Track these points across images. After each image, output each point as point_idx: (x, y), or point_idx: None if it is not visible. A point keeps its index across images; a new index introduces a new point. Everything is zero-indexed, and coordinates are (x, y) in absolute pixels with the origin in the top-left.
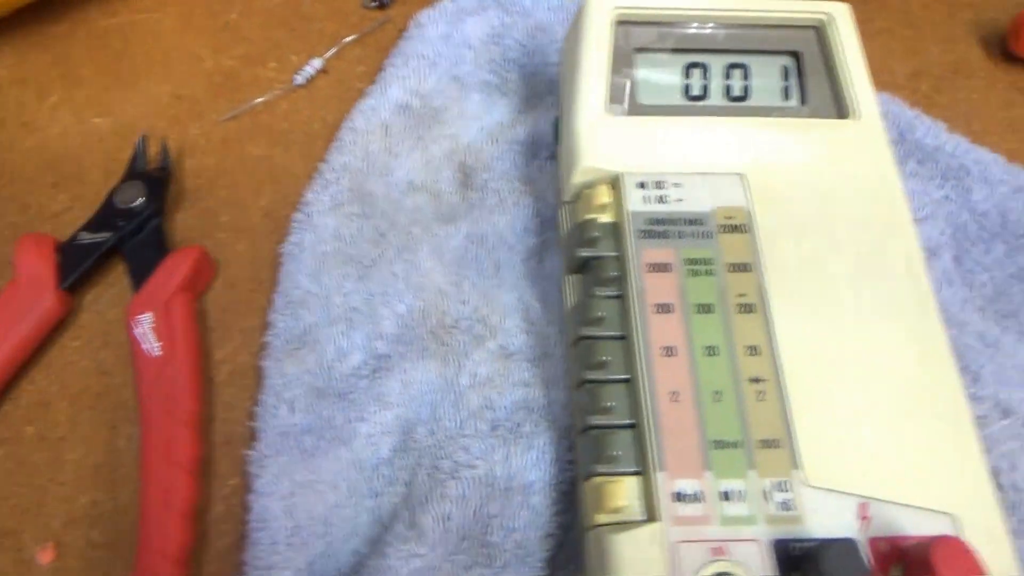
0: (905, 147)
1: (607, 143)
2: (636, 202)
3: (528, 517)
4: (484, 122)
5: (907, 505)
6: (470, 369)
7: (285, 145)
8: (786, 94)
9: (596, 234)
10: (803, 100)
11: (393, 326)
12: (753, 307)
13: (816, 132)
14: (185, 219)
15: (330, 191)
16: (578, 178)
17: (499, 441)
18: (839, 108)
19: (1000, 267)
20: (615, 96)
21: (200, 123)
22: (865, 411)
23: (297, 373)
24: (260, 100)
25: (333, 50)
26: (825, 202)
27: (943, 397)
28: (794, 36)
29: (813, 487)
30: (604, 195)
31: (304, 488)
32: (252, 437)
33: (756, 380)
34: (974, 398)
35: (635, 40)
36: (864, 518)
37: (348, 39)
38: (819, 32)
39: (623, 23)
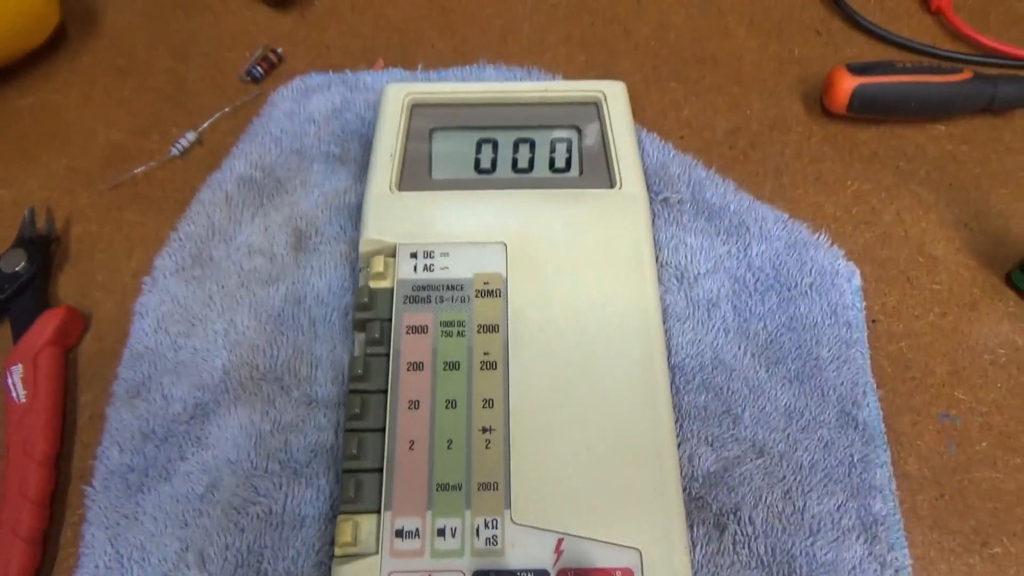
0: (696, 206)
1: (389, 217)
2: (406, 270)
3: (299, 548)
4: (324, 189)
5: (599, 540)
6: (273, 416)
7: (158, 211)
8: (567, 165)
9: (365, 299)
10: (581, 171)
11: (211, 378)
12: (495, 364)
13: (584, 201)
14: (67, 279)
15: (175, 257)
16: (363, 248)
17: (285, 480)
18: (610, 178)
19: (773, 317)
20: (408, 172)
21: (88, 192)
22: (574, 457)
23: (130, 419)
24: (140, 170)
25: (207, 123)
26: (577, 264)
27: (651, 443)
28: (576, 112)
29: (518, 524)
30: (380, 264)
31: (127, 519)
32: (92, 475)
33: (486, 430)
34: (733, 439)
35: (431, 120)
36: (558, 552)
37: (220, 112)
38: (597, 108)
39: (420, 106)
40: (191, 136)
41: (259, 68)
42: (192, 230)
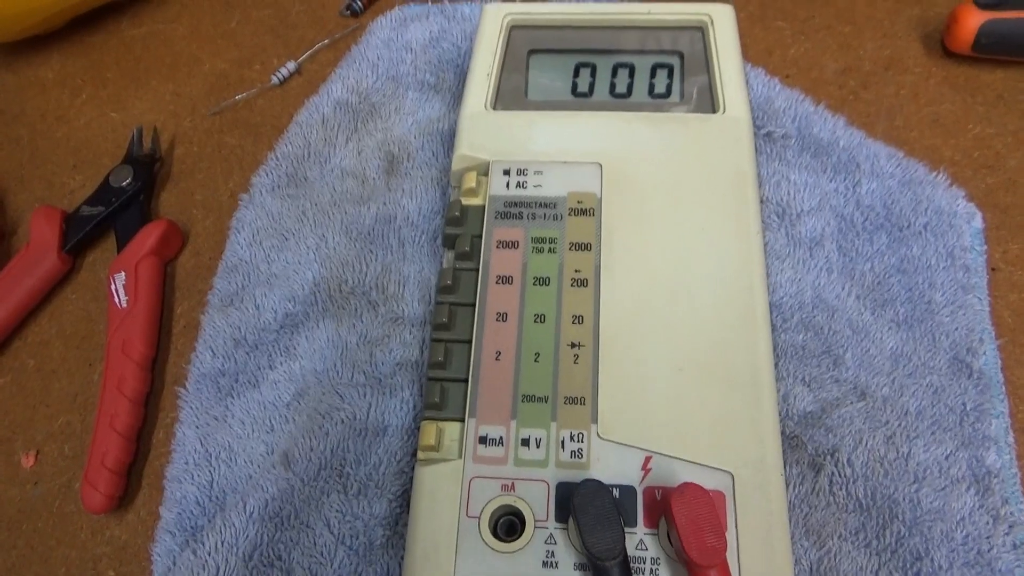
0: (801, 141)
1: (483, 135)
2: (498, 186)
3: (381, 455)
4: (417, 117)
5: (688, 461)
6: (360, 330)
7: (256, 136)
8: (668, 91)
9: (457, 214)
10: (682, 96)
11: (302, 290)
12: (586, 282)
13: (685, 124)
14: (168, 197)
15: (272, 175)
16: (456, 165)
17: (370, 390)
18: (712, 103)
19: (881, 258)
20: (504, 92)
21: (192, 117)
22: (664, 378)
23: (223, 326)
24: (240, 97)
25: (307, 54)
26: (676, 188)
27: (747, 370)
28: (679, 37)
29: (604, 439)
30: (471, 180)
31: (217, 421)
32: (186, 378)
33: (575, 345)
34: (832, 380)
35: (529, 42)
36: (646, 469)
37: (320, 44)
38: (703, 32)
39: (518, 27)
40: (291, 66)
41: (359, 2)
42: (289, 150)
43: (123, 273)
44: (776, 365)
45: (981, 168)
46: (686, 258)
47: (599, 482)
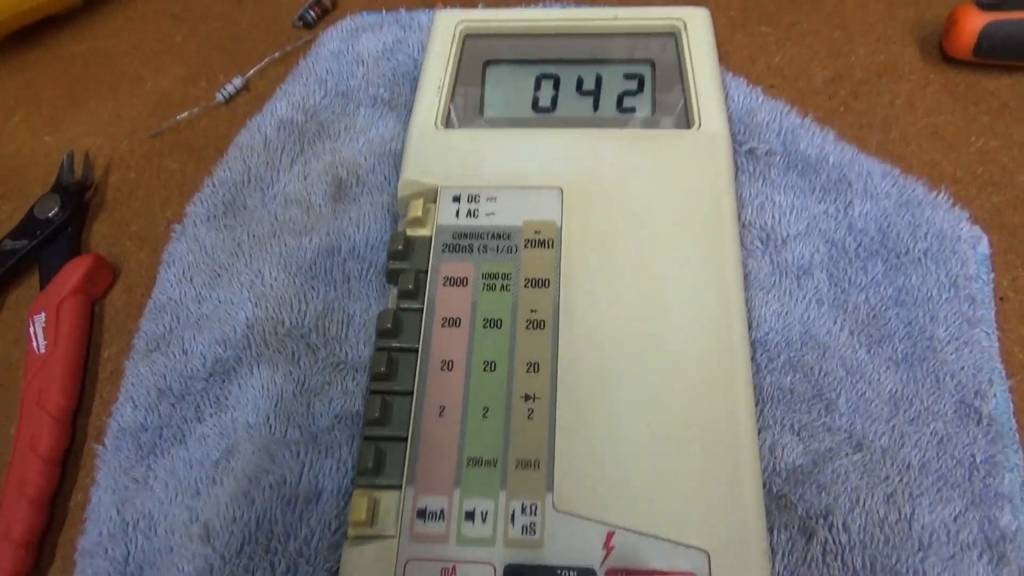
0: (787, 158)
1: (432, 157)
2: (447, 216)
3: (313, 526)
4: (369, 135)
5: (657, 537)
6: (297, 377)
7: (198, 159)
8: (638, 104)
9: (400, 247)
10: (654, 110)
11: (234, 333)
12: (542, 323)
13: (656, 142)
14: (100, 228)
15: (207, 204)
16: (402, 191)
17: (304, 448)
18: (687, 116)
19: (877, 288)
20: (457, 108)
21: (131, 139)
22: (631, 436)
23: (147, 374)
24: (183, 116)
25: (255, 69)
26: (646, 214)
27: (726, 426)
28: (650, 44)
29: (560, 511)
30: (418, 209)
31: (137, 484)
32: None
33: (529, 397)
34: (824, 429)
35: (485, 53)
36: (608, 548)
37: (269, 58)
38: (676, 39)
39: (474, 36)
40: (237, 82)
41: (312, 12)
42: (227, 176)
43: (43, 314)
44: (761, 411)
45: (986, 185)
46: (657, 295)
47: (551, 570)
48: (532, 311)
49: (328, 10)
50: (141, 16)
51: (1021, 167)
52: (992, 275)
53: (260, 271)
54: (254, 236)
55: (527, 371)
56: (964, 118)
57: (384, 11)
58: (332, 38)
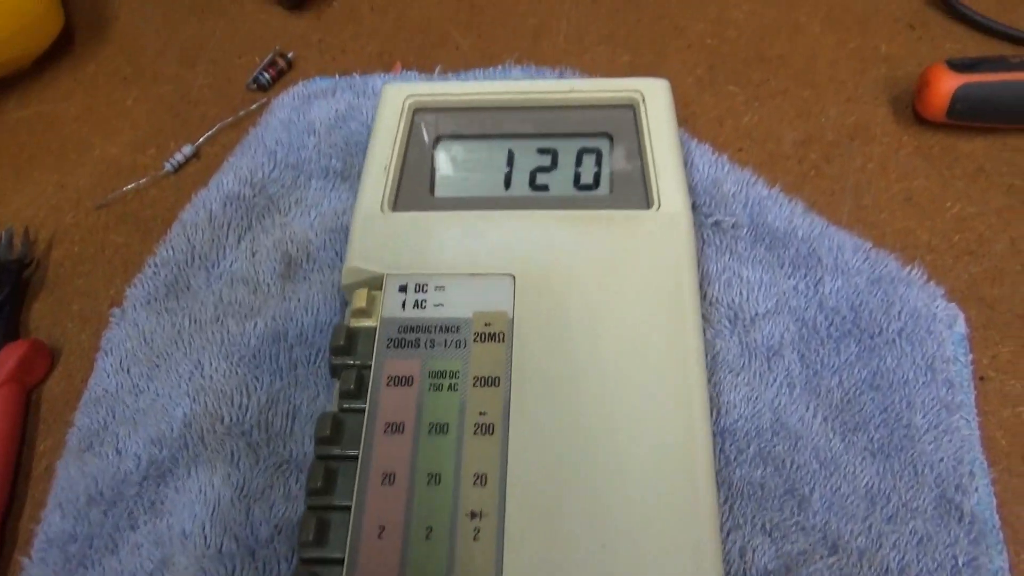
0: (755, 231)
1: (378, 242)
2: (393, 307)
3: None
4: (321, 209)
5: None
6: (236, 480)
7: (145, 233)
8: (595, 181)
9: (342, 342)
10: (612, 188)
11: (171, 431)
12: (492, 427)
13: (614, 224)
14: (40, 308)
15: (148, 285)
16: (347, 279)
17: (240, 565)
18: (646, 196)
19: (851, 371)
20: (405, 189)
21: (75, 211)
22: (585, 556)
23: (77, 477)
24: (130, 187)
25: (206, 135)
26: (604, 303)
27: (687, 536)
28: (607, 117)
29: None
30: (362, 299)
31: None
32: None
33: (476, 515)
34: (798, 528)
35: (436, 128)
36: None
37: (221, 124)
38: (634, 111)
39: (423, 111)
40: (187, 150)
41: (266, 75)
42: (169, 256)
43: None
44: (731, 509)
45: (963, 255)
46: (613, 390)
47: None
48: (481, 413)
49: (284, 71)
50: (91, 78)
51: (998, 235)
52: (970, 356)
53: (200, 361)
54: (196, 321)
55: (474, 483)
56: (939, 183)
57: (338, 76)
58: (283, 106)
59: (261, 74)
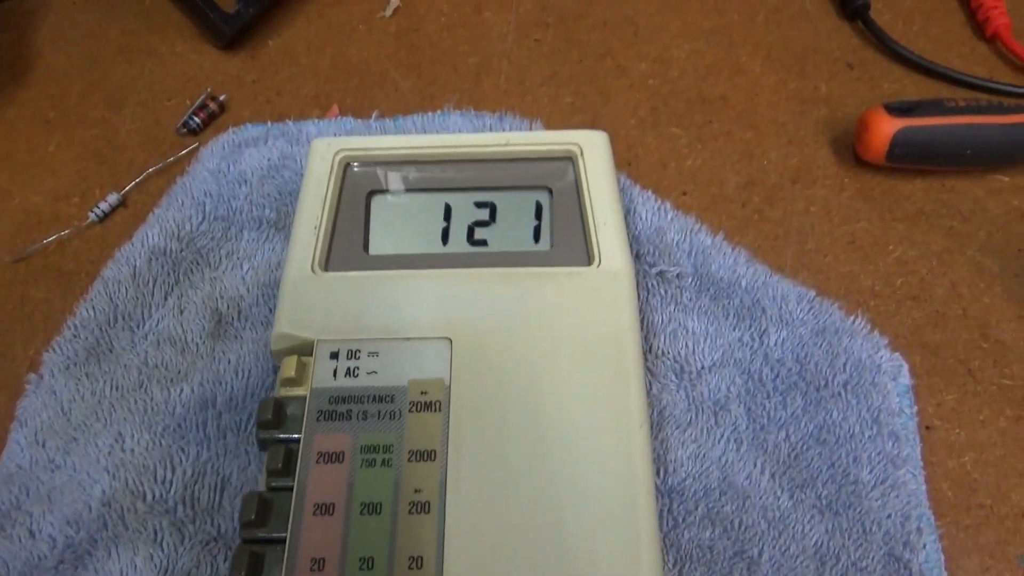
0: (699, 281)
1: (309, 306)
2: (323, 376)
3: None
4: (254, 262)
5: None
6: (159, 562)
7: (66, 289)
8: (535, 236)
9: (270, 416)
10: (552, 244)
11: (88, 511)
12: (427, 506)
13: (554, 282)
14: None
15: (67, 349)
16: (275, 345)
17: None
18: (587, 252)
19: (797, 425)
20: (337, 248)
21: None
22: None
23: None
24: (51, 239)
25: (132, 183)
26: (544, 365)
27: None
28: (546, 170)
29: None
30: (291, 367)
31: None
32: None
33: None
34: None
35: (369, 183)
36: None
37: (148, 171)
38: (573, 164)
39: (356, 165)
40: (113, 199)
41: (197, 118)
42: (90, 316)
43: None
44: (680, 572)
45: (906, 300)
46: (556, 462)
47: None
48: (416, 491)
49: (216, 115)
50: (11, 122)
51: (939, 279)
52: (915, 409)
53: (121, 433)
54: (118, 388)
55: (410, 567)
56: (880, 226)
57: (270, 123)
58: (212, 155)
59: (191, 117)
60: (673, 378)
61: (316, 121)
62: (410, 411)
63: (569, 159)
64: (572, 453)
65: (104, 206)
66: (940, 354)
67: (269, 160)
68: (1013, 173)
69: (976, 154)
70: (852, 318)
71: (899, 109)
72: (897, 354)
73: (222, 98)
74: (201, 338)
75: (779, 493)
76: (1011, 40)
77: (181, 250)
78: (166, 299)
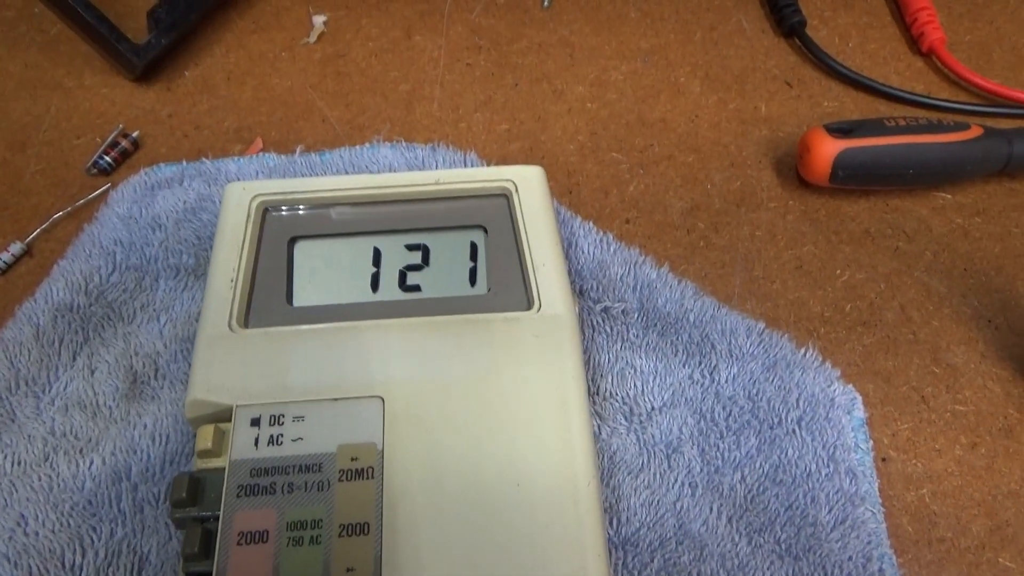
0: (646, 316)
1: (226, 368)
2: (244, 446)
3: None
4: (172, 313)
5: None
6: None
7: None
8: (471, 279)
9: (184, 495)
10: (489, 286)
11: None
12: None
13: (492, 329)
14: None
15: None
16: (191, 413)
17: None
18: (526, 296)
19: (752, 464)
20: (258, 301)
21: None
22: None
23: None
24: None
25: (38, 231)
26: (483, 420)
27: None
28: (480, 208)
29: None
30: (207, 438)
31: None
32: None
33: None
34: None
35: (290, 228)
36: None
37: (55, 216)
38: (508, 202)
39: (275, 210)
40: (16, 248)
41: (108, 157)
42: None
43: None
44: None
45: (856, 325)
46: (499, 529)
47: None
48: (349, 570)
49: (129, 153)
50: None
51: (888, 302)
52: (871, 443)
53: (23, 515)
54: (20, 463)
55: None
56: (827, 249)
57: (185, 161)
58: (122, 199)
59: (102, 156)
60: (623, 420)
61: (236, 159)
62: (340, 480)
63: (504, 196)
64: (517, 518)
65: (7, 256)
66: (893, 381)
67: (185, 203)
68: (955, 191)
69: (918, 173)
70: (803, 350)
71: (839, 130)
72: (851, 386)
73: (135, 134)
74: (115, 400)
75: (737, 539)
76: (946, 55)
77: (90, 305)
78: (74, 359)
